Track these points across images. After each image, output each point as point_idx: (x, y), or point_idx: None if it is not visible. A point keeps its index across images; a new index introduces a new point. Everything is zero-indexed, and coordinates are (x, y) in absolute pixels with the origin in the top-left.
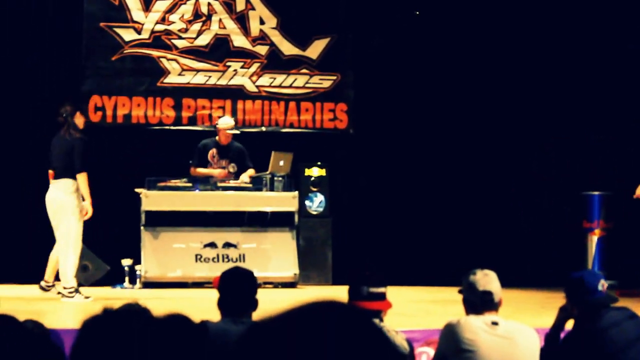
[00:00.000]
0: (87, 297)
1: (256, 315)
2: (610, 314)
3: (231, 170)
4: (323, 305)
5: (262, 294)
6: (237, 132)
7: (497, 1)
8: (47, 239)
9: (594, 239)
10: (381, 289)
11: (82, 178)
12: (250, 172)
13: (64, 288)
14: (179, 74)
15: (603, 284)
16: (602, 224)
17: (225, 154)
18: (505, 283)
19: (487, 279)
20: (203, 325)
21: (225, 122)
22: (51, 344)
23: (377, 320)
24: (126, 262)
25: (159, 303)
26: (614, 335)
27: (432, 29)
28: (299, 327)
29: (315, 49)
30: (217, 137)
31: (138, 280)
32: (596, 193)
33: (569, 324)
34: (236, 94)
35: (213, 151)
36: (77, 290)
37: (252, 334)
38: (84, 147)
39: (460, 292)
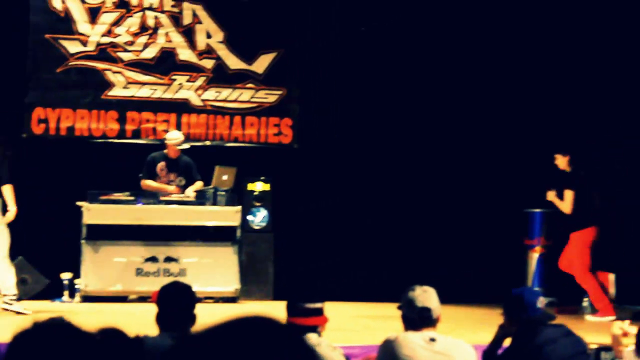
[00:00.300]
0: (25, 309)
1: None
2: (547, 331)
3: (179, 183)
4: (252, 320)
5: (202, 309)
6: (187, 146)
7: (441, 18)
8: None
9: (534, 256)
10: (318, 305)
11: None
12: (198, 184)
13: (5, 296)
14: (124, 87)
15: (541, 301)
16: (543, 241)
17: (174, 168)
18: (446, 299)
19: (425, 296)
20: (138, 339)
21: (174, 137)
22: None
23: (315, 336)
24: (66, 276)
25: (98, 317)
26: (550, 352)
27: (377, 45)
28: (226, 341)
29: (262, 64)
30: (165, 151)
31: (77, 294)
32: (537, 210)
33: (507, 341)
34: (181, 107)
35: (162, 164)
36: (19, 299)
37: (180, 346)
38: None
39: (399, 308)
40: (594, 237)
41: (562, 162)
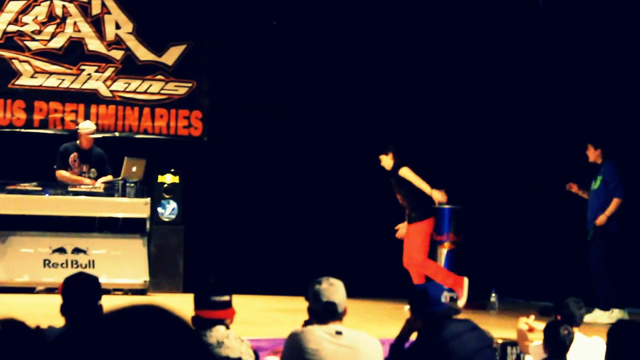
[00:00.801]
0: None
1: None
2: (452, 326)
3: (91, 175)
4: (141, 309)
5: (111, 301)
6: (99, 136)
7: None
8: None
9: (443, 252)
10: (225, 297)
11: None
12: (109, 177)
13: None
14: (32, 76)
15: (446, 296)
16: (452, 237)
17: (86, 159)
18: (353, 293)
19: (332, 289)
20: (38, 330)
21: (87, 127)
22: None
23: (222, 328)
24: None
25: (4, 308)
26: (455, 347)
27: (285, 36)
28: (117, 327)
29: (171, 56)
30: (78, 142)
31: None
32: (446, 206)
33: (414, 336)
34: (90, 98)
35: (74, 155)
36: None
37: (71, 331)
38: None
39: (306, 299)
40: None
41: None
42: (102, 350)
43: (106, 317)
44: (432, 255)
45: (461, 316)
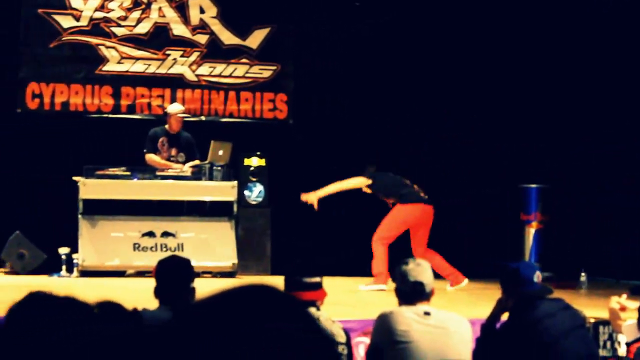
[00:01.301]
0: None
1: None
2: (545, 305)
3: (179, 159)
4: (254, 289)
5: (200, 284)
6: (188, 115)
7: None
8: None
9: (531, 231)
10: (316, 279)
11: None
12: (196, 162)
13: None
14: (118, 62)
15: (538, 276)
16: (540, 217)
17: (175, 143)
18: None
19: (419, 269)
20: (136, 312)
21: (175, 108)
22: None
23: (313, 310)
24: (63, 251)
25: (96, 292)
26: (548, 326)
27: (373, 18)
28: (227, 310)
29: (255, 39)
30: (166, 126)
31: (75, 268)
32: (534, 186)
33: (505, 316)
34: (175, 82)
35: (163, 139)
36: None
37: (179, 317)
38: None
39: (393, 280)
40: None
41: None
42: (217, 333)
43: (217, 299)
44: (520, 234)
45: (552, 296)
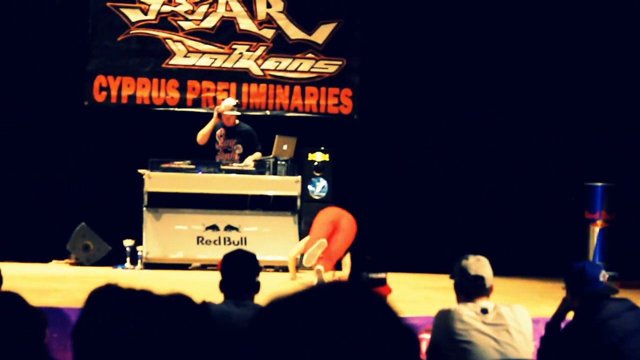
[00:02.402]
0: None
1: (258, 298)
2: (610, 305)
3: (237, 151)
4: (340, 286)
5: (263, 278)
6: (238, 113)
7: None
8: (55, 217)
9: (595, 230)
10: (381, 275)
11: None
12: (257, 155)
13: None
14: (185, 56)
15: (604, 275)
16: (605, 215)
17: (232, 135)
18: (507, 272)
19: (479, 264)
20: (205, 305)
21: (225, 104)
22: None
23: None
24: (128, 243)
25: (160, 284)
26: (614, 326)
27: (439, 15)
28: (314, 308)
29: (322, 34)
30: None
31: (139, 261)
32: (599, 184)
33: (570, 315)
34: (241, 77)
35: (220, 131)
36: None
37: (265, 314)
38: None
39: (451, 277)
40: None
41: None
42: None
43: (302, 297)
44: (584, 233)
45: (618, 296)
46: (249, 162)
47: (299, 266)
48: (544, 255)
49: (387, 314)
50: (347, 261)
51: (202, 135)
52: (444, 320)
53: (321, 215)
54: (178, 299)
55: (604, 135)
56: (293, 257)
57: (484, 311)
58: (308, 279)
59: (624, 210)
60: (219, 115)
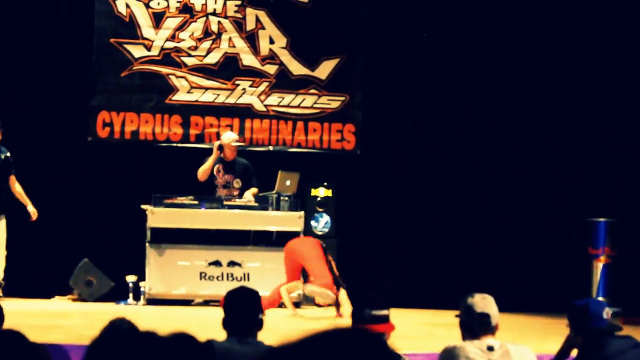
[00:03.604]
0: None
1: (261, 335)
2: (614, 343)
3: (235, 185)
4: (345, 332)
5: (266, 314)
6: (241, 143)
7: (507, 29)
8: (57, 253)
9: (599, 266)
10: (384, 312)
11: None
12: (253, 190)
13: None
14: (188, 92)
15: (607, 312)
16: (608, 251)
17: (230, 169)
18: (510, 308)
19: (484, 302)
20: (209, 344)
21: (229, 137)
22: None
23: None
24: (130, 279)
25: (163, 320)
26: None
27: (440, 51)
28: (318, 354)
29: (324, 70)
30: (222, 154)
31: (142, 296)
32: (602, 220)
33: (574, 353)
34: (244, 112)
35: (219, 166)
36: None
37: (279, 351)
38: None
39: (457, 316)
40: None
41: None
42: None
43: (307, 342)
44: (588, 269)
45: (621, 333)
46: (249, 197)
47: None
48: (548, 290)
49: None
50: (343, 298)
51: (203, 172)
52: (449, 357)
53: (286, 259)
54: (182, 339)
55: (607, 171)
56: (287, 295)
57: (490, 348)
58: (311, 313)
59: (627, 246)
60: (220, 148)
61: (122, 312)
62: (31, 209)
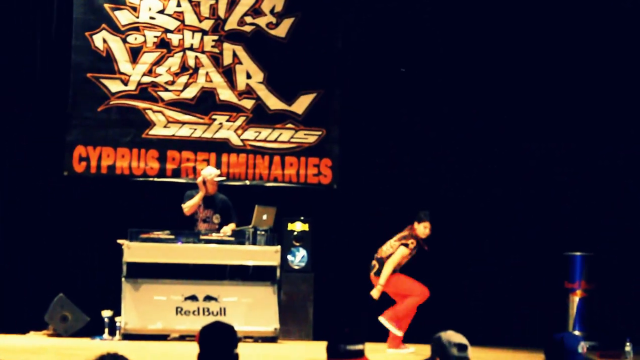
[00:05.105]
0: None
1: None
2: None
3: (215, 220)
4: None
5: (242, 349)
6: (223, 178)
7: (485, 54)
8: (32, 288)
9: (575, 300)
10: (359, 346)
11: None
12: (232, 226)
13: None
14: (165, 126)
15: (583, 347)
16: (584, 285)
17: (211, 205)
18: (486, 342)
19: (459, 336)
20: None
21: (210, 172)
22: None
23: None
24: (106, 314)
25: (139, 355)
26: None
27: (416, 85)
28: None
29: (301, 104)
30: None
31: (118, 331)
32: (578, 254)
33: None
34: (221, 147)
35: None
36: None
37: None
38: None
39: (431, 358)
40: None
41: None
42: None
43: None
44: (564, 303)
45: None
46: (227, 232)
47: None
48: (525, 325)
49: None
50: None
51: (190, 207)
52: None
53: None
54: None
55: (583, 206)
56: None
57: None
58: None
59: (603, 280)
60: (203, 183)
61: (98, 348)
62: None
